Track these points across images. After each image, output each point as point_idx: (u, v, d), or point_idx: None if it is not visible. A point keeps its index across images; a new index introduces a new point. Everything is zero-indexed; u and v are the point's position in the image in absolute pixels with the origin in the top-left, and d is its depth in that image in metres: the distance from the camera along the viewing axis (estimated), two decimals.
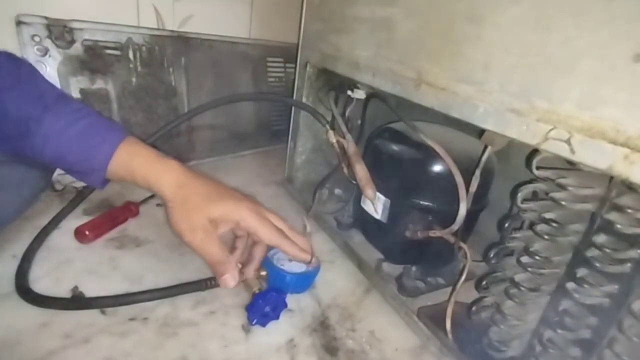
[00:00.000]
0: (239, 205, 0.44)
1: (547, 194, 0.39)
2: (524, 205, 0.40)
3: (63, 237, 0.58)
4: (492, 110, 0.39)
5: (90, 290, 0.48)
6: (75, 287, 0.48)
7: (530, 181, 0.41)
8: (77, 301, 0.47)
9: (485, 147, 0.45)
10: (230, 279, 0.42)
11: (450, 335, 0.47)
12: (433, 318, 0.50)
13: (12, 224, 0.50)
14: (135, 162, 0.42)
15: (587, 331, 0.38)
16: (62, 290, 0.48)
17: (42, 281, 0.49)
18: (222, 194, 0.44)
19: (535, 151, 0.37)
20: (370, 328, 0.51)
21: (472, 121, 0.41)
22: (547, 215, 0.39)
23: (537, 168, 0.38)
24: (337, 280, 0.59)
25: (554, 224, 0.38)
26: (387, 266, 0.60)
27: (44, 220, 0.58)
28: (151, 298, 0.48)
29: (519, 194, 0.41)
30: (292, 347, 0.46)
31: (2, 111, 0.39)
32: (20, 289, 0.46)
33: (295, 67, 0.77)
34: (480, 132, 0.43)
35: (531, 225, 0.41)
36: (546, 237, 0.39)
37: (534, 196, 0.41)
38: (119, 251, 0.57)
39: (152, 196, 0.71)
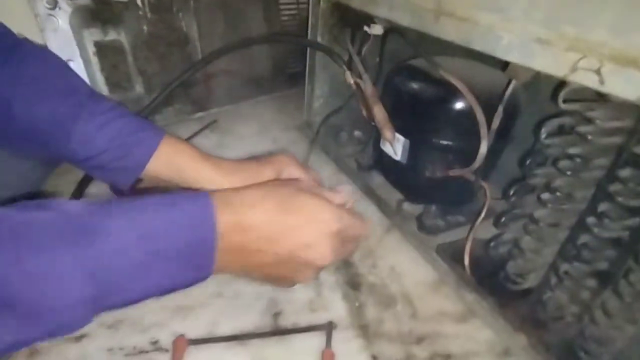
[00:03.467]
0: (284, 155, 0.45)
1: (572, 128, 0.37)
2: (547, 141, 0.39)
3: None
4: (517, 41, 0.36)
5: None
6: None
7: (556, 115, 0.39)
8: None
9: (509, 81, 0.42)
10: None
11: (468, 270, 0.49)
12: (452, 254, 0.52)
13: None
14: (180, 160, 0.41)
15: (604, 263, 0.38)
16: None
17: None
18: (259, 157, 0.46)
19: (562, 84, 0.35)
20: (391, 264, 0.54)
21: (495, 54, 0.38)
22: (572, 151, 0.37)
23: (564, 101, 0.36)
24: None
25: (578, 160, 0.37)
26: (407, 206, 0.61)
27: None
28: None
29: (544, 129, 0.39)
30: (318, 286, 0.50)
31: (33, 108, 0.37)
32: None
33: (308, 3, 0.72)
34: (504, 65, 0.40)
35: (554, 162, 0.40)
36: (569, 173, 0.38)
37: (559, 131, 0.40)
38: None
39: None
